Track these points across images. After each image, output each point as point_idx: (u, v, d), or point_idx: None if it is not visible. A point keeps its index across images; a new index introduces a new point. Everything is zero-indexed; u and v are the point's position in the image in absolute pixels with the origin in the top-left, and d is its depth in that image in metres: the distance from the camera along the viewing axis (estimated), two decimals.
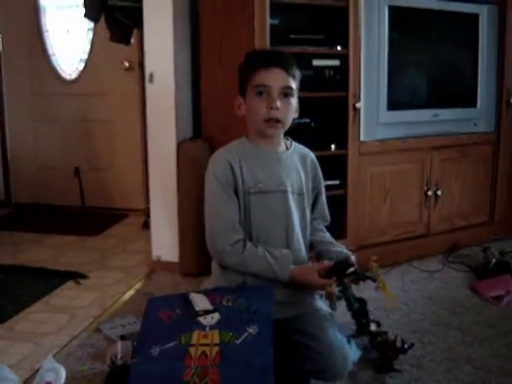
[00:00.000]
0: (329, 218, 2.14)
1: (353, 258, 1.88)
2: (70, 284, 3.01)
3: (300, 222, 1.98)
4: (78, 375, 2.03)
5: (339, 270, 1.79)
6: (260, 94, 1.85)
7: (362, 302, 1.89)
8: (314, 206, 2.08)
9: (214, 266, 1.97)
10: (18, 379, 1.79)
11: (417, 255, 3.23)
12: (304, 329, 1.82)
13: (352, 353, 1.82)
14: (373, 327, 2.17)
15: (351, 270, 1.78)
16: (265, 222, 1.91)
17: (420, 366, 2.08)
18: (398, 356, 2.04)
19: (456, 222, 3.40)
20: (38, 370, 1.94)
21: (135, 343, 1.88)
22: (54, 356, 2.00)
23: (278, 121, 1.87)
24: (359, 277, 1.84)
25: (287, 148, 2.01)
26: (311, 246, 2.07)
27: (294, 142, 2.05)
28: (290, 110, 1.90)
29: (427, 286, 2.87)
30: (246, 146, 1.96)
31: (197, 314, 1.73)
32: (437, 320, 2.48)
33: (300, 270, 1.85)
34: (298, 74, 1.91)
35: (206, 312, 1.73)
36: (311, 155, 2.08)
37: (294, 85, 1.88)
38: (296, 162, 2.00)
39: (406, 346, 2.04)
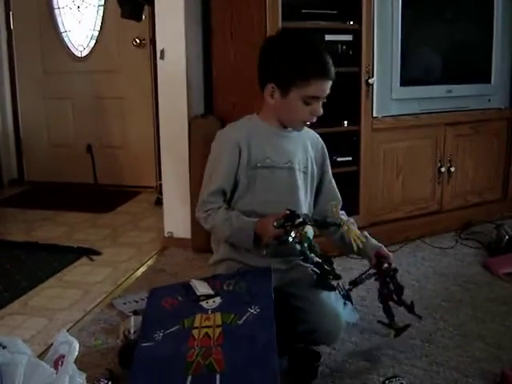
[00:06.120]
0: (340, 197, 2.13)
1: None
2: (84, 260, 3.03)
3: (304, 199, 2.01)
4: (91, 350, 2.06)
5: (288, 220, 1.75)
6: (308, 103, 1.86)
7: (327, 260, 1.85)
8: (322, 189, 2.09)
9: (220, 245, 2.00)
10: (32, 353, 1.81)
11: (429, 232, 3.21)
12: (297, 293, 1.86)
13: (346, 314, 1.86)
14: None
15: (299, 220, 1.74)
16: (270, 196, 1.93)
17: (431, 341, 2.08)
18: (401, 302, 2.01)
19: (469, 199, 3.38)
20: (51, 345, 1.96)
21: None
22: (68, 331, 2.02)
23: None
24: (319, 225, 1.83)
25: None
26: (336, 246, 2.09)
27: None
28: None
29: (439, 263, 2.87)
30: (256, 123, 1.98)
31: (198, 298, 1.76)
32: (449, 296, 2.48)
33: (259, 221, 1.83)
34: None
35: (208, 297, 1.77)
36: (320, 140, 2.11)
37: None
38: (304, 142, 2.03)
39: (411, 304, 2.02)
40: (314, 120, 1.92)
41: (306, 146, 2.03)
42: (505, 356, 1.97)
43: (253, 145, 1.92)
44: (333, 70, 1.88)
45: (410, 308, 2.01)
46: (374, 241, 2.00)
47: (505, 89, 3.33)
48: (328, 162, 2.11)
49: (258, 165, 1.92)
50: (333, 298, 1.86)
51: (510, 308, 2.35)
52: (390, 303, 2.02)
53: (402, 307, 2.02)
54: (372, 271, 2.01)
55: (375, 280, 2.01)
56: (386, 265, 1.92)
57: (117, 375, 1.85)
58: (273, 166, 1.93)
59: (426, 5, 3.05)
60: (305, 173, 2.01)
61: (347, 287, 2.06)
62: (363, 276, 2.05)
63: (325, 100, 1.91)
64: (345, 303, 1.89)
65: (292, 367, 1.85)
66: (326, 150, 2.11)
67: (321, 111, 1.89)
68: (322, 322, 1.80)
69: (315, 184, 2.08)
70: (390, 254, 1.96)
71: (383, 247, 1.97)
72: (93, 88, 4.59)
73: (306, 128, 2.04)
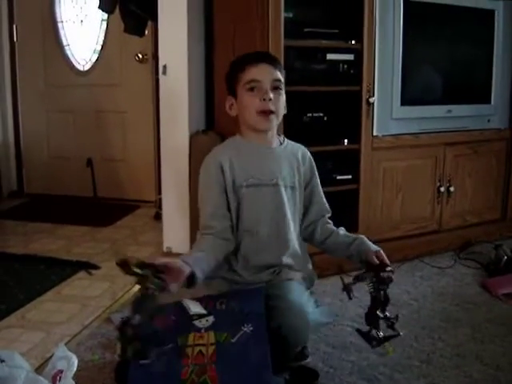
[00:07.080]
0: (329, 208, 2.14)
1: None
2: (82, 274, 3.02)
3: (292, 215, 2.01)
4: (88, 364, 2.05)
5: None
6: (252, 89, 1.91)
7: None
8: (313, 201, 2.10)
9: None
10: (30, 367, 1.80)
11: (428, 251, 3.21)
12: (274, 293, 1.85)
13: (316, 314, 1.85)
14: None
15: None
16: (256, 214, 1.95)
17: (429, 361, 2.08)
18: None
19: (468, 219, 3.39)
20: (48, 359, 1.95)
21: None
22: (65, 345, 2.01)
23: (271, 112, 1.92)
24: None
25: (280, 144, 2.06)
26: (329, 250, 2.10)
27: (287, 140, 2.10)
28: (282, 101, 1.97)
29: (438, 282, 2.86)
30: (239, 142, 2.03)
31: (191, 317, 1.76)
32: (447, 316, 2.47)
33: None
34: (283, 71, 1.99)
35: (201, 316, 1.77)
36: (307, 152, 2.12)
37: (282, 77, 1.96)
38: (289, 157, 2.05)
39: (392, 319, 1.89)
40: (271, 107, 1.91)
41: (292, 161, 2.04)
42: (503, 377, 1.96)
43: (236, 165, 1.95)
44: (270, 56, 2.02)
45: (392, 322, 1.92)
46: (371, 244, 1.99)
47: (504, 109, 3.35)
48: (316, 173, 2.12)
49: (244, 184, 1.94)
50: (304, 298, 1.86)
51: (509, 329, 2.34)
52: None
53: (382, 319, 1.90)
54: (371, 273, 1.90)
55: (369, 283, 1.88)
56: (386, 272, 1.87)
57: None
58: (257, 184, 1.95)
59: (427, 25, 3.07)
60: (292, 188, 2.02)
61: (350, 282, 1.90)
62: (365, 274, 1.91)
63: (282, 90, 1.95)
64: (318, 305, 1.88)
65: None
66: (313, 163, 2.12)
67: (269, 95, 1.89)
68: (287, 316, 1.76)
69: (303, 198, 2.08)
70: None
71: (381, 251, 1.93)
72: (94, 102, 4.60)
73: (290, 142, 2.08)
